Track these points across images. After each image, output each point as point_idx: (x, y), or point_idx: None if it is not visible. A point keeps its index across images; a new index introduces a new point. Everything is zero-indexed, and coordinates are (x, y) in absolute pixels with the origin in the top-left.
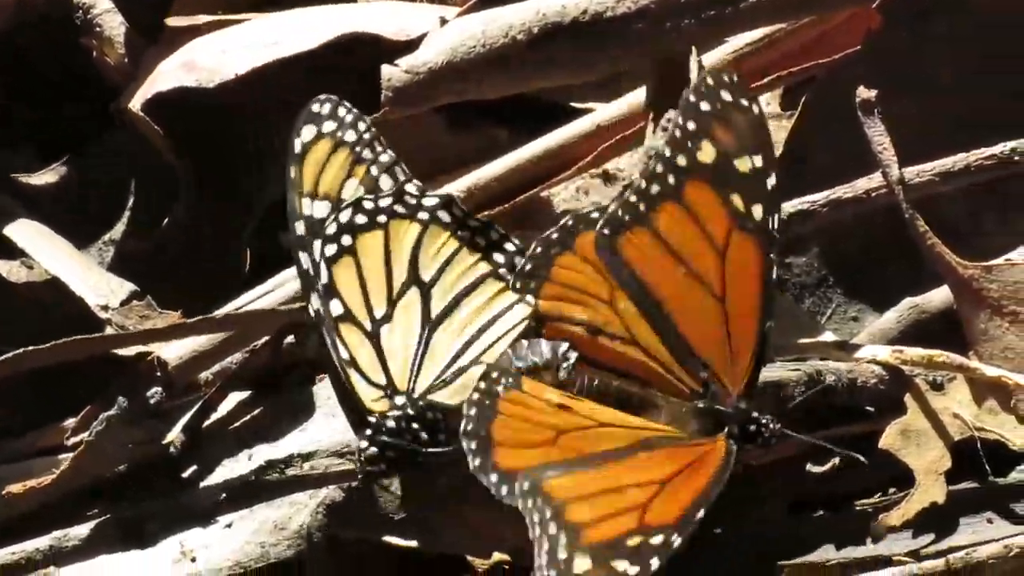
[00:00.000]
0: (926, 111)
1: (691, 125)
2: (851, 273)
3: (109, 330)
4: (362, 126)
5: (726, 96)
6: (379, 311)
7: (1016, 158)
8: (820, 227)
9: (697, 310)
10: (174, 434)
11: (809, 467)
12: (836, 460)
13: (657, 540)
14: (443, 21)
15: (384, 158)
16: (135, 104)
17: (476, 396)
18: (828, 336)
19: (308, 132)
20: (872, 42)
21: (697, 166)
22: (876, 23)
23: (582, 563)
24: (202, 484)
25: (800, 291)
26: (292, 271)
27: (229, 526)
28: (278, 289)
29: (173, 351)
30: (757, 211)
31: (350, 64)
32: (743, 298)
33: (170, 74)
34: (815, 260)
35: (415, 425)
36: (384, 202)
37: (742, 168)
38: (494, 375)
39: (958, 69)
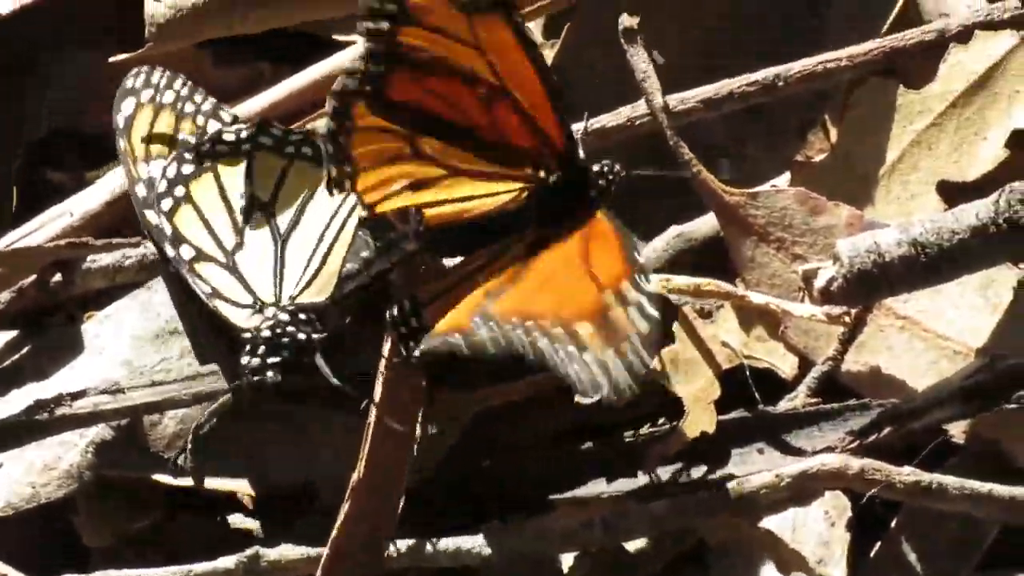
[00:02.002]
0: (688, 37)
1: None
2: (616, 202)
3: None
4: (178, 84)
5: None
6: (230, 243)
7: (780, 83)
8: (585, 154)
9: (486, 108)
10: None
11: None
12: None
13: (631, 294)
14: None
15: (206, 106)
16: None
17: None
18: None
19: (127, 105)
20: None
21: None
22: None
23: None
24: None
25: None
26: (59, 208)
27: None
28: (45, 227)
29: None
30: None
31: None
32: (519, 73)
33: None
34: None
35: (290, 328)
36: (206, 147)
37: None
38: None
39: None
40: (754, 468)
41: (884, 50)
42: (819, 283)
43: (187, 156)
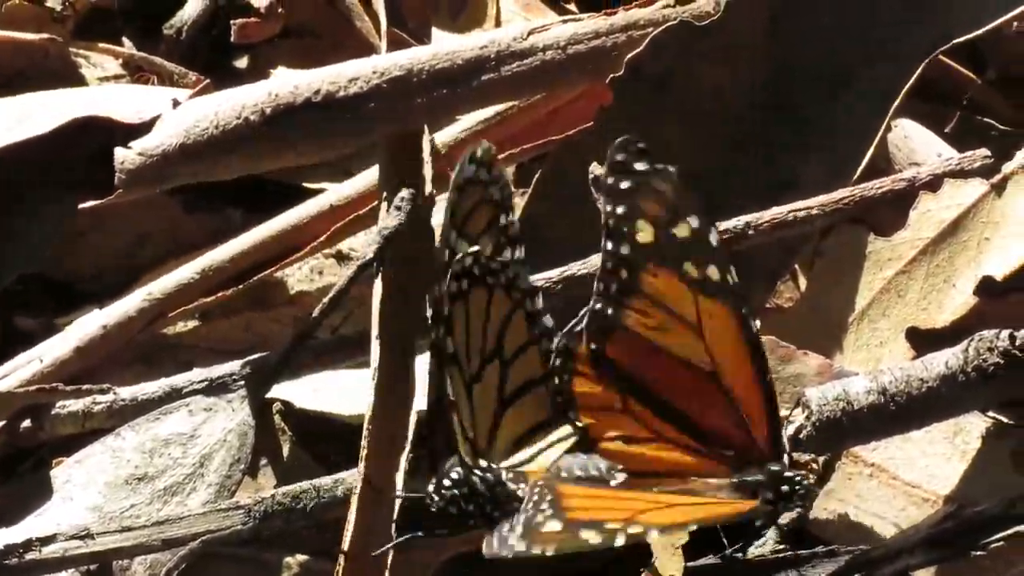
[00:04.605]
0: None
1: (620, 209)
2: None
3: None
4: (507, 191)
5: (640, 166)
6: (473, 367)
7: (750, 231)
8: (554, 307)
9: (697, 391)
10: None
11: None
12: None
13: (635, 529)
14: (176, 103)
15: (513, 231)
16: None
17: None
18: None
19: (470, 170)
20: (604, 118)
21: (642, 250)
22: (607, 99)
23: (551, 525)
24: None
25: None
26: (28, 355)
27: None
28: (14, 373)
29: None
30: (712, 272)
31: (84, 147)
32: (735, 362)
33: None
34: None
35: (479, 486)
36: (494, 265)
37: (682, 234)
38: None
39: (690, 143)
40: None
41: (855, 198)
42: (788, 431)
43: (481, 261)
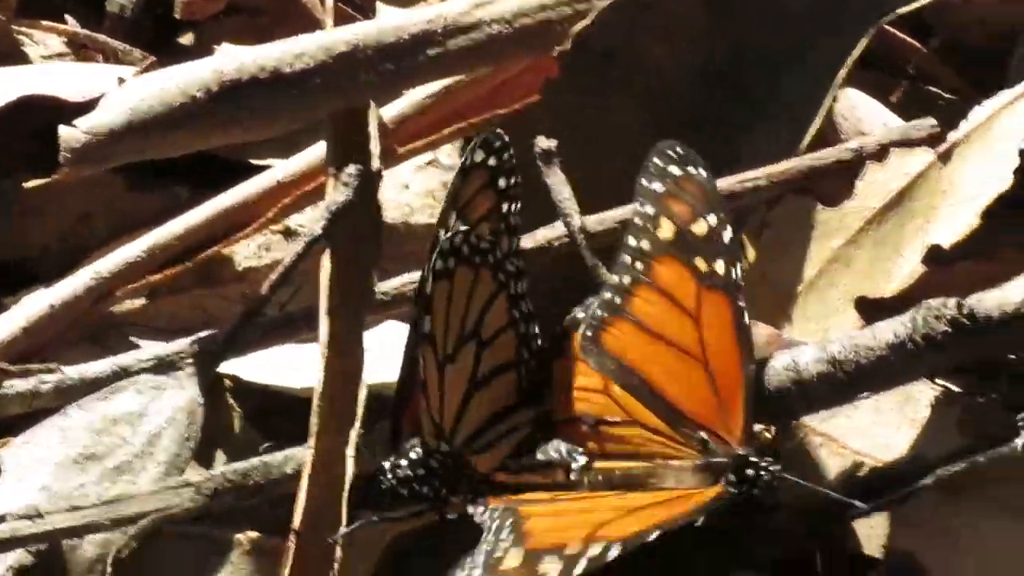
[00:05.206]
0: (605, 159)
1: (649, 209)
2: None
3: None
4: (513, 180)
5: (675, 171)
6: (450, 347)
7: None
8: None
9: (682, 376)
10: None
11: None
12: None
13: (595, 550)
14: (121, 81)
15: (513, 220)
16: None
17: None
18: None
19: (479, 155)
20: (550, 91)
21: (660, 245)
22: (554, 72)
23: (511, 561)
24: None
25: None
26: None
27: None
28: None
29: None
30: (719, 266)
31: (28, 126)
32: (723, 351)
33: None
34: None
35: (438, 469)
36: (483, 244)
37: (699, 231)
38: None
39: (636, 116)
40: None
41: (802, 169)
42: None
43: (472, 240)
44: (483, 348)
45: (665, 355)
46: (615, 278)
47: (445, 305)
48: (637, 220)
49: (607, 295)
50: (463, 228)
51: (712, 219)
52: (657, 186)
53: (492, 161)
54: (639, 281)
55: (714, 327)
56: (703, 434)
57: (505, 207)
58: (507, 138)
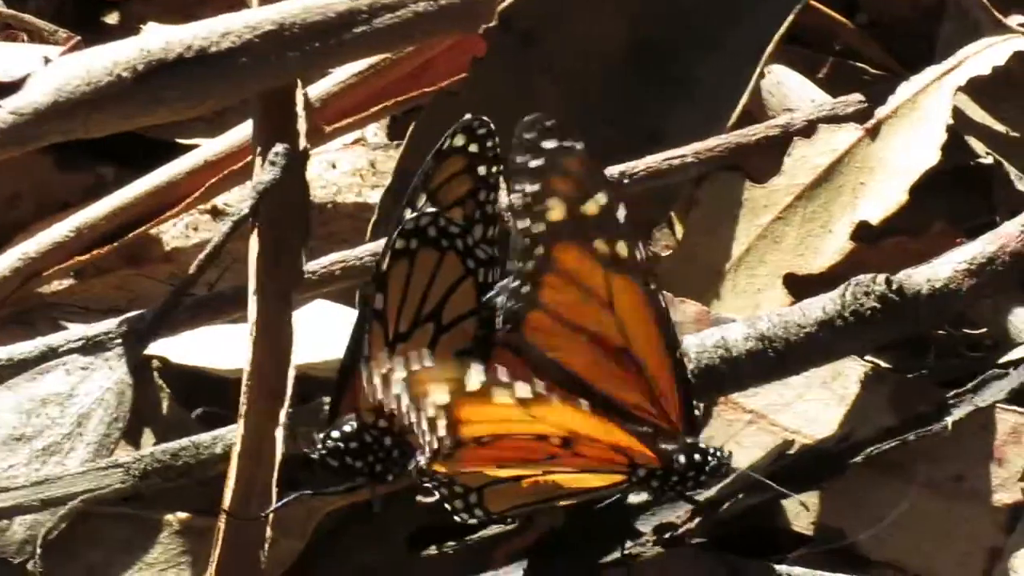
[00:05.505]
0: None
1: (530, 187)
2: None
3: None
4: (494, 168)
5: (548, 144)
6: (403, 326)
7: (625, 181)
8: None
9: (611, 368)
10: None
11: (420, 499)
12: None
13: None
14: (47, 60)
15: (491, 209)
16: None
17: None
18: None
19: (459, 140)
20: (477, 69)
21: (554, 228)
22: (481, 50)
23: None
24: None
25: None
26: None
27: None
28: None
29: None
30: (621, 248)
31: None
32: (646, 338)
33: None
34: None
35: (367, 439)
36: (453, 229)
37: (591, 211)
38: None
39: (561, 95)
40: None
41: (729, 145)
42: None
43: (440, 223)
44: (442, 332)
45: (587, 347)
46: (517, 263)
47: (402, 284)
48: (519, 201)
49: (514, 284)
50: (431, 210)
51: (602, 198)
52: (533, 161)
53: (473, 147)
54: (542, 269)
55: (630, 314)
56: (646, 428)
57: (483, 195)
58: (492, 126)
